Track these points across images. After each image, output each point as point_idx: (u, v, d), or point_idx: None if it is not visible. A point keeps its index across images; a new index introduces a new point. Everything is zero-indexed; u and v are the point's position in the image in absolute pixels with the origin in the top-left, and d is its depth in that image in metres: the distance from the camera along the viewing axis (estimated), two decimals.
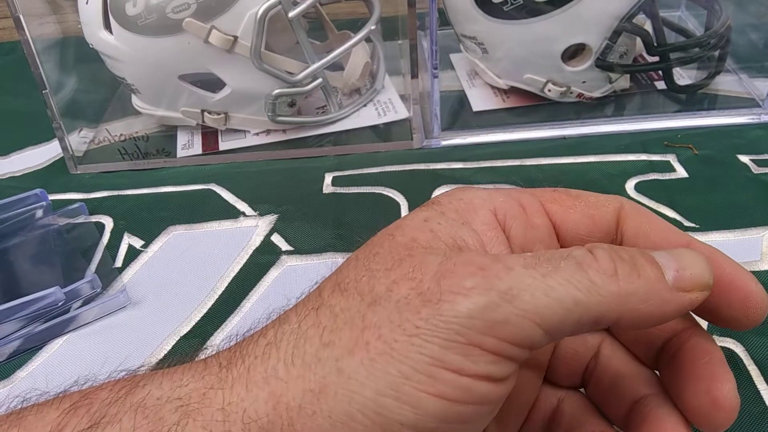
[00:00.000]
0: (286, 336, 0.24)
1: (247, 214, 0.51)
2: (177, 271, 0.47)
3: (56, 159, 0.61)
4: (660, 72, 0.62)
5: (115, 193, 0.55)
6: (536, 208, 0.28)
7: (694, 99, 0.62)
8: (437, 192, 0.52)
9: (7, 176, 0.59)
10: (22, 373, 0.40)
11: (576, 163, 0.55)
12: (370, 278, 0.24)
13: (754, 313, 0.26)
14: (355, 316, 0.23)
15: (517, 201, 0.27)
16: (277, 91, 0.57)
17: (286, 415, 0.22)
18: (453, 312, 0.22)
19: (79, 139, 0.61)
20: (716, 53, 0.61)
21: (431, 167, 0.55)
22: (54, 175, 0.59)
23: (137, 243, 0.49)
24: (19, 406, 0.25)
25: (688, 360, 0.27)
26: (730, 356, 0.37)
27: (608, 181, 0.51)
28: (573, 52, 0.58)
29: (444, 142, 0.59)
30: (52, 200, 0.53)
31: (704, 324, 0.39)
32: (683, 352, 0.27)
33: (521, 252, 0.27)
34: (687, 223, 0.47)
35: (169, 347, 0.41)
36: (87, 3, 0.56)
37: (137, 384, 0.24)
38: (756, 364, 0.37)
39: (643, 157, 0.54)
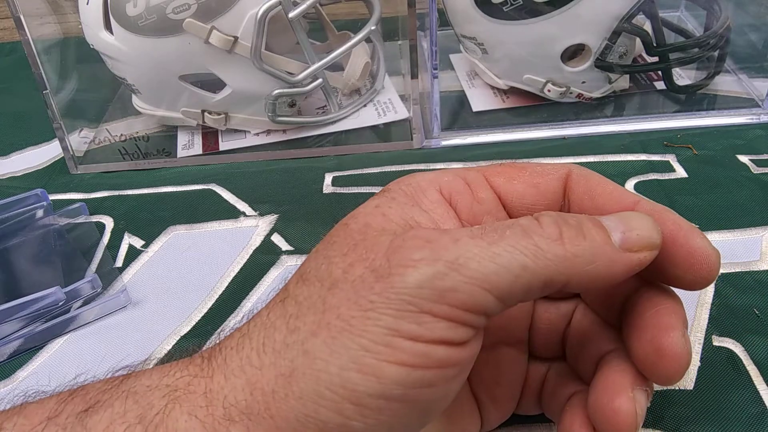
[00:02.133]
0: (258, 327, 0.25)
1: (247, 214, 0.51)
2: (177, 271, 0.47)
3: (57, 159, 0.61)
4: (659, 72, 0.62)
5: (116, 193, 0.55)
6: (481, 182, 0.29)
7: (693, 99, 0.62)
8: None
9: (8, 176, 0.59)
10: (22, 373, 0.40)
11: (576, 163, 0.55)
12: (328, 265, 0.25)
13: (699, 270, 0.26)
14: (316, 301, 0.24)
15: (463, 178, 0.29)
16: (277, 91, 0.57)
17: (262, 400, 0.23)
18: (403, 283, 0.23)
19: (80, 139, 0.61)
20: (716, 53, 0.61)
21: (431, 167, 0.55)
22: (54, 175, 0.59)
23: (138, 243, 0.49)
24: (21, 402, 0.26)
25: (638, 313, 0.27)
26: (730, 356, 0.37)
27: None
28: (572, 53, 0.58)
29: (444, 143, 0.59)
30: (52, 200, 0.53)
31: (705, 321, 0.39)
32: (636, 306, 0.28)
33: (471, 224, 0.28)
34: None
35: (169, 347, 0.41)
36: (87, 3, 0.56)
37: (130, 375, 0.25)
38: (755, 365, 0.37)
39: (643, 157, 0.54)
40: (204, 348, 0.27)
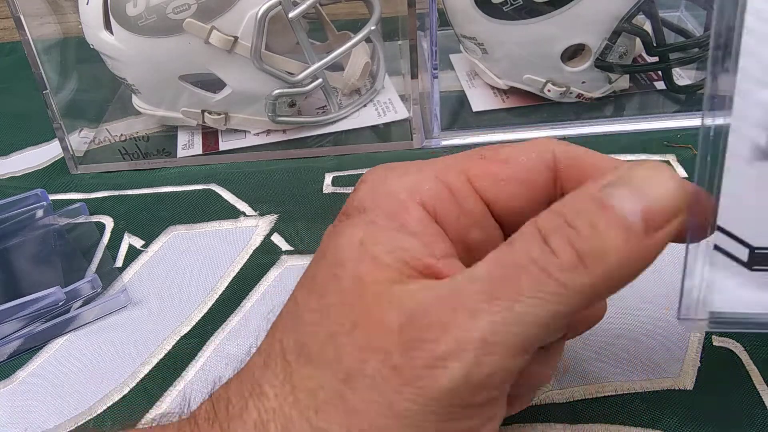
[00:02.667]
0: (272, 417, 0.23)
1: (247, 214, 0.51)
2: (177, 271, 0.47)
3: (57, 159, 0.61)
4: (659, 72, 0.62)
5: (116, 193, 0.55)
6: (466, 190, 0.26)
7: (693, 99, 0.62)
8: None
9: (8, 176, 0.59)
10: (22, 373, 0.40)
11: None
12: (334, 346, 0.23)
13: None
14: (334, 396, 0.22)
15: (445, 185, 0.26)
16: (277, 91, 0.57)
17: None
18: (436, 389, 0.21)
19: (80, 139, 0.61)
20: None
21: None
22: (54, 175, 0.59)
23: (138, 243, 0.49)
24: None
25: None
26: (730, 356, 0.37)
27: None
28: (572, 53, 0.58)
29: (444, 143, 0.59)
30: (52, 200, 0.53)
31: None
32: None
33: (459, 240, 0.26)
34: None
35: (169, 347, 0.41)
36: (87, 3, 0.56)
37: None
38: (756, 365, 0.37)
39: (643, 157, 0.54)
40: (199, 413, 0.24)
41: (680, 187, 0.22)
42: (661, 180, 0.22)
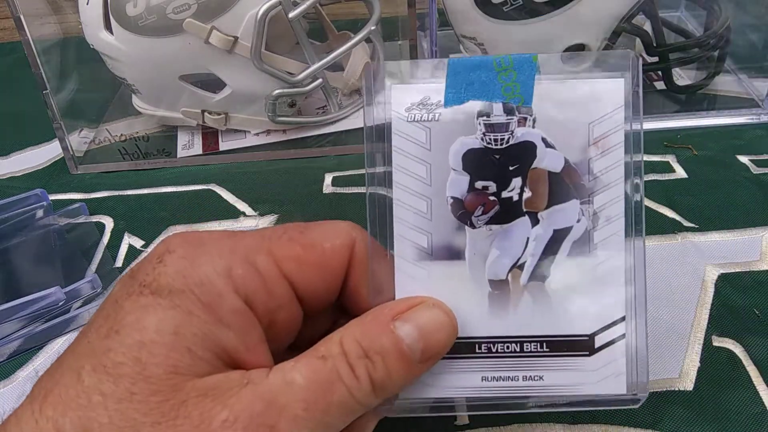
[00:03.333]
0: None
1: (247, 214, 0.51)
2: None
3: (57, 159, 0.61)
4: (659, 72, 0.62)
5: (116, 193, 0.55)
6: (274, 274, 0.27)
7: (693, 99, 0.62)
8: None
9: (8, 176, 0.59)
10: (22, 373, 0.40)
11: None
12: None
13: None
14: None
15: (255, 269, 0.26)
16: (277, 91, 0.57)
17: None
18: None
19: (80, 140, 0.61)
20: (716, 53, 0.61)
21: None
22: (54, 175, 0.59)
23: (137, 243, 0.49)
24: None
25: None
26: (730, 357, 0.37)
27: None
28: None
29: None
30: (52, 200, 0.53)
31: (705, 321, 0.39)
32: None
33: (266, 320, 0.27)
34: (686, 224, 0.47)
35: None
36: (88, 3, 0.56)
37: None
38: (755, 365, 0.37)
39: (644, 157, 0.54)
40: None
41: (452, 336, 0.27)
42: (441, 326, 0.27)
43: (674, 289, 0.42)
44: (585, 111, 0.29)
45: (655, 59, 0.60)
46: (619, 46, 0.57)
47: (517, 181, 0.29)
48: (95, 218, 0.52)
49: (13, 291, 0.44)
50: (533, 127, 0.29)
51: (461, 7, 0.59)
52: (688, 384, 0.36)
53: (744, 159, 0.53)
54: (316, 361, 0.25)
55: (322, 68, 0.58)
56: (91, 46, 0.58)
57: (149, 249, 0.49)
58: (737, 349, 0.38)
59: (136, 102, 0.62)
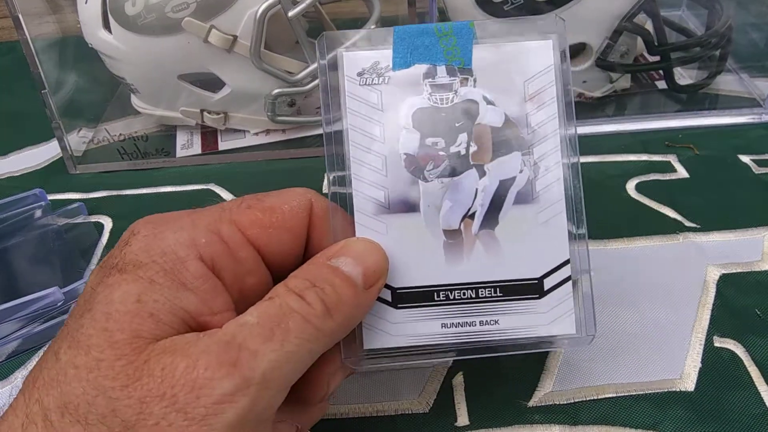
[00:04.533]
0: None
1: None
2: None
3: (55, 159, 0.60)
4: (661, 71, 0.62)
5: (115, 193, 0.55)
6: (238, 240, 0.28)
7: (695, 99, 0.62)
8: None
9: (6, 176, 0.59)
10: (21, 373, 0.40)
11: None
12: (107, 400, 0.23)
13: None
14: None
15: (219, 236, 0.28)
16: (276, 90, 0.57)
17: None
18: (223, 423, 0.23)
19: (78, 139, 0.60)
20: (717, 53, 0.61)
21: None
22: (53, 175, 0.59)
23: None
24: None
25: None
26: (731, 357, 0.37)
27: (608, 181, 0.51)
28: (574, 52, 0.58)
29: None
30: (51, 200, 0.53)
31: (706, 321, 0.39)
32: None
33: (237, 287, 0.28)
34: (688, 223, 0.47)
35: None
36: (86, 2, 0.56)
37: None
38: (756, 365, 0.37)
39: (644, 157, 0.54)
40: None
41: (384, 258, 0.29)
42: (372, 251, 0.29)
43: (675, 290, 0.41)
44: (520, 70, 0.31)
45: (657, 58, 0.60)
46: (620, 45, 0.57)
47: (463, 137, 0.31)
48: (94, 218, 0.52)
49: (12, 291, 0.44)
50: (474, 86, 0.31)
51: (461, 6, 0.58)
52: (689, 385, 0.36)
53: (746, 159, 0.53)
54: (264, 302, 0.26)
55: None
56: (90, 46, 0.58)
57: None
58: (739, 350, 0.37)
59: (135, 101, 0.62)
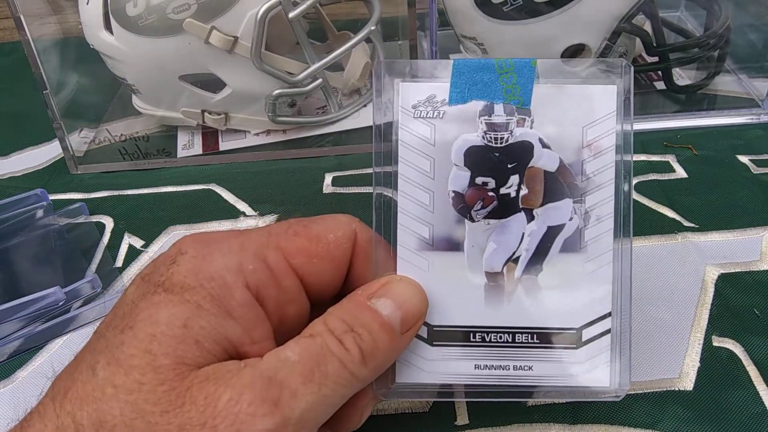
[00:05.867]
0: None
1: (247, 214, 0.51)
2: None
3: (57, 159, 0.61)
4: (659, 72, 0.62)
5: (116, 193, 0.55)
6: (283, 267, 0.28)
7: (693, 99, 0.62)
8: None
9: (8, 176, 0.59)
10: (22, 373, 0.40)
11: None
12: (146, 425, 0.23)
13: None
14: None
15: (265, 263, 0.28)
16: (277, 91, 0.57)
17: None
18: None
19: (80, 140, 0.61)
20: (716, 53, 0.61)
21: None
22: (54, 175, 0.59)
23: (137, 243, 0.49)
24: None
25: None
26: (730, 357, 0.37)
27: None
28: (572, 52, 0.58)
29: None
30: (52, 200, 0.53)
31: (705, 321, 0.39)
32: None
33: (278, 315, 0.28)
34: (686, 223, 0.47)
35: None
36: (88, 3, 0.56)
37: None
38: (755, 365, 0.37)
39: (643, 157, 0.54)
40: None
41: (424, 302, 0.29)
42: (413, 295, 0.29)
43: (674, 289, 0.42)
44: (580, 114, 0.30)
45: (655, 59, 0.60)
46: (619, 45, 0.57)
47: (514, 179, 0.30)
48: (95, 218, 0.52)
49: (13, 291, 0.44)
50: (531, 127, 0.30)
51: (461, 7, 0.59)
52: (688, 384, 0.36)
53: (744, 159, 0.53)
54: (304, 339, 0.26)
55: (322, 68, 0.58)
56: (91, 46, 0.58)
57: (149, 249, 0.49)
58: (737, 349, 0.38)
59: (136, 102, 0.62)
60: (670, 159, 0.54)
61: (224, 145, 0.60)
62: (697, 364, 0.37)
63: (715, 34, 0.60)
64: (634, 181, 0.51)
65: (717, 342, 0.38)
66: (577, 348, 0.30)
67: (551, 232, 0.30)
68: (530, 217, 0.30)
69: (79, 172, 0.59)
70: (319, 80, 0.58)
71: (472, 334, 0.30)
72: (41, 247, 0.49)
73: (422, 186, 0.30)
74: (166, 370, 0.24)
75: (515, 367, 0.30)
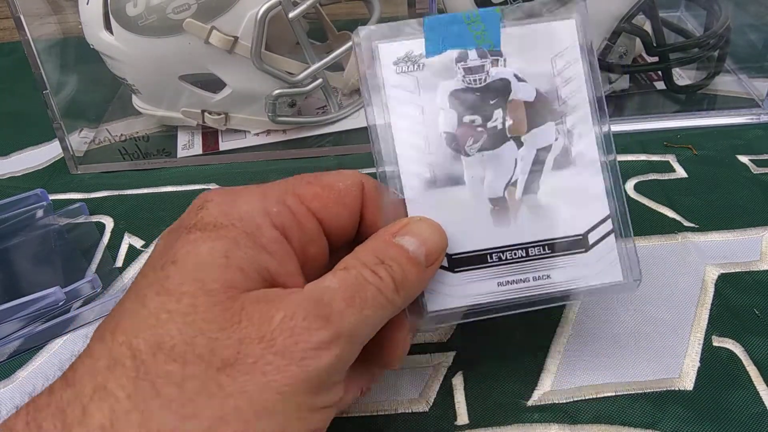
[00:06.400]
0: (124, 416, 0.23)
1: None
2: None
3: (57, 159, 0.61)
4: (659, 72, 0.62)
5: (116, 193, 0.55)
6: (303, 211, 0.31)
7: (693, 99, 0.62)
8: None
9: (8, 176, 0.59)
10: (22, 373, 0.40)
11: None
12: (206, 340, 0.25)
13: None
14: (208, 384, 0.24)
15: (287, 207, 0.30)
16: (277, 91, 0.57)
17: None
18: (317, 367, 0.25)
19: (80, 140, 0.61)
20: (715, 53, 0.61)
21: None
22: (54, 175, 0.59)
23: (138, 243, 0.49)
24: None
25: None
26: (730, 357, 0.37)
27: None
28: None
29: None
30: (52, 200, 0.53)
31: (705, 321, 0.39)
32: None
33: (302, 254, 0.30)
34: (687, 223, 0.47)
35: None
36: (88, 3, 0.56)
37: None
38: (755, 365, 0.37)
39: (643, 157, 0.54)
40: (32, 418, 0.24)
41: (444, 237, 0.31)
42: (433, 231, 0.31)
43: (674, 289, 0.42)
44: (547, 47, 0.33)
45: (655, 59, 0.60)
46: (619, 45, 0.57)
47: (498, 113, 0.33)
48: (95, 218, 0.52)
49: (13, 291, 0.44)
50: (505, 66, 0.33)
51: (461, 7, 0.58)
52: (688, 384, 0.36)
53: (744, 159, 0.53)
54: (340, 272, 0.28)
55: (322, 68, 0.58)
56: (91, 46, 0.58)
57: (149, 249, 0.49)
58: (737, 349, 0.38)
59: (136, 102, 0.62)
60: (670, 159, 0.54)
61: (224, 145, 0.60)
62: (697, 364, 0.37)
63: (715, 34, 0.60)
64: (635, 181, 0.51)
65: (717, 342, 0.38)
66: (587, 251, 0.33)
67: (541, 154, 0.33)
68: (519, 144, 0.33)
69: (79, 172, 0.59)
70: (319, 80, 0.58)
71: (488, 256, 0.33)
72: (41, 247, 0.49)
73: (416, 132, 0.33)
74: (217, 293, 0.25)
75: (534, 278, 0.33)
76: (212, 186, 0.55)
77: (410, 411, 0.35)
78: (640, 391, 0.36)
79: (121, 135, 0.62)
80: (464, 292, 0.32)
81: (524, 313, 0.33)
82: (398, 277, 0.29)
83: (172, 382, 0.24)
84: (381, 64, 0.33)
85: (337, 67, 0.62)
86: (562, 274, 0.33)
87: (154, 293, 0.26)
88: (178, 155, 0.60)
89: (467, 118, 0.33)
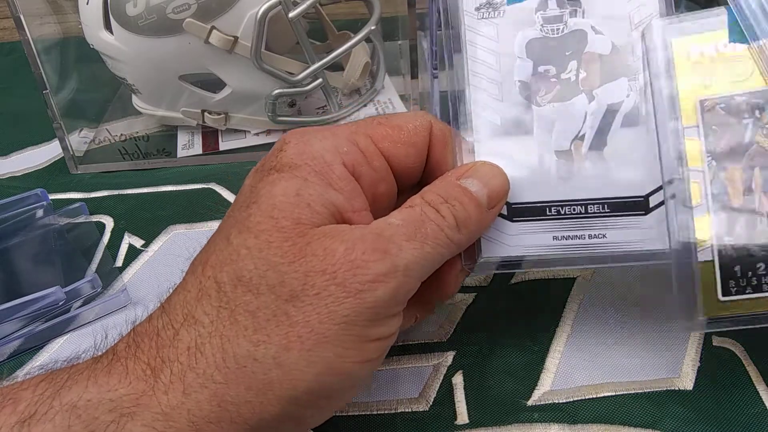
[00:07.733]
0: (207, 340, 0.27)
1: None
2: (177, 271, 0.46)
3: (57, 159, 0.61)
4: None
5: (116, 192, 0.55)
6: (373, 150, 0.32)
7: None
8: None
9: (8, 176, 0.59)
10: (22, 373, 0.40)
11: None
12: (277, 273, 0.27)
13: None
14: (277, 313, 0.27)
15: (357, 146, 0.32)
16: (277, 91, 0.57)
17: (234, 410, 0.26)
18: (374, 298, 0.27)
19: (80, 139, 0.61)
20: None
21: None
22: (54, 175, 0.59)
23: (138, 242, 0.49)
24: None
25: None
26: (729, 356, 0.37)
27: None
28: None
29: None
30: (52, 200, 0.53)
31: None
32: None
33: (371, 192, 0.32)
34: None
35: None
36: (87, 3, 0.56)
37: (62, 386, 0.26)
38: (755, 365, 0.37)
39: None
40: (130, 350, 0.27)
41: (506, 182, 0.32)
42: (497, 175, 0.32)
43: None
44: (625, 1, 0.33)
45: None
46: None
47: (573, 64, 0.33)
48: (95, 218, 0.52)
49: (13, 291, 0.44)
50: (583, 17, 0.34)
51: None
52: (688, 383, 0.36)
53: None
54: (405, 209, 0.30)
55: (322, 68, 0.58)
56: (91, 46, 0.58)
57: (149, 248, 0.49)
58: (737, 349, 0.38)
59: (136, 102, 0.62)
60: None
61: (224, 144, 0.61)
62: (698, 364, 0.37)
63: None
64: None
65: (717, 342, 0.38)
66: (646, 214, 0.32)
67: (611, 109, 0.33)
68: (590, 98, 0.33)
69: (79, 172, 0.59)
70: (319, 80, 0.58)
71: (547, 209, 0.33)
72: (41, 247, 0.49)
73: (490, 78, 0.33)
74: (288, 230, 0.28)
75: (590, 236, 0.33)
76: (212, 185, 0.55)
77: (410, 410, 0.35)
78: (640, 391, 0.36)
79: (121, 135, 0.62)
80: (519, 242, 0.33)
81: (573, 267, 0.34)
82: (460, 216, 0.30)
83: (247, 311, 0.27)
84: (463, 9, 0.34)
85: (337, 66, 0.62)
86: (618, 235, 0.32)
87: (237, 231, 0.28)
88: (178, 155, 0.60)
89: (542, 68, 0.33)
